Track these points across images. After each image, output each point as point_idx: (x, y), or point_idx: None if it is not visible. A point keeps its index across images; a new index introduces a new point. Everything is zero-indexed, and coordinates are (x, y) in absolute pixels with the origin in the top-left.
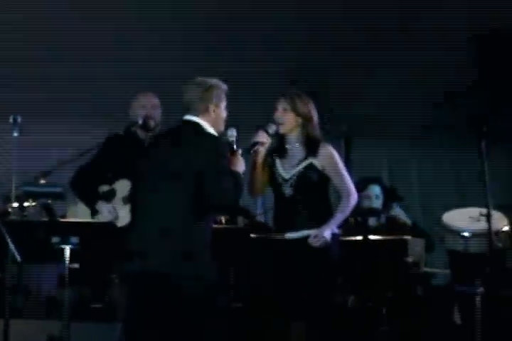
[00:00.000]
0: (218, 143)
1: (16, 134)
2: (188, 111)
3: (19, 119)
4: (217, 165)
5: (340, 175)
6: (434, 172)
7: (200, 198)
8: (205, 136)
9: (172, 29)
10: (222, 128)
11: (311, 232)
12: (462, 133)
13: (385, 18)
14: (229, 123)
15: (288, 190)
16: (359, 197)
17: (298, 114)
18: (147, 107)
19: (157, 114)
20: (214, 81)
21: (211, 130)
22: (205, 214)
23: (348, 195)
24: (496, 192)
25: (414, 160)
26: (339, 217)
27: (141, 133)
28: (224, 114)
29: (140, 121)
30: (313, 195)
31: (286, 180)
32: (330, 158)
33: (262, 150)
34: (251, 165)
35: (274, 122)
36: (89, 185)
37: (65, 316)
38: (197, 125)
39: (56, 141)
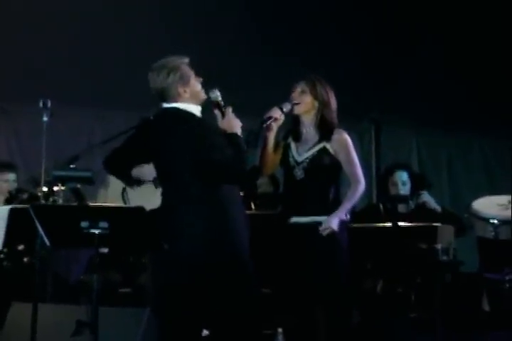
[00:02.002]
0: (201, 121)
1: (45, 118)
2: (163, 99)
3: (49, 103)
4: (206, 141)
5: (352, 163)
6: (464, 159)
7: (208, 176)
8: (188, 119)
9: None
10: (202, 97)
11: (319, 219)
12: (493, 120)
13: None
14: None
15: (299, 173)
16: (387, 183)
17: (315, 97)
18: None
19: None
20: (173, 62)
21: (193, 108)
22: (221, 188)
23: (357, 183)
24: None
25: (444, 147)
26: (347, 205)
27: None
28: (196, 85)
29: None
30: (324, 179)
31: (298, 163)
32: (343, 144)
33: (274, 126)
34: (263, 141)
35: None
36: (123, 163)
37: (93, 301)
38: (178, 110)
39: (84, 127)
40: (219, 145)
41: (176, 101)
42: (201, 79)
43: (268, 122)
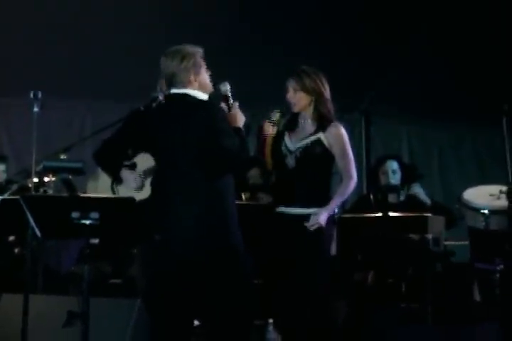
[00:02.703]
0: (211, 107)
1: (36, 109)
2: (172, 84)
3: (40, 95)
4: (215, 126)
5: (345, 157)
6: (454, 150)
7: (210, 163)
8: (198, 104)
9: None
10: (210, 87)
11: (307, 211)
12: (483, 111)
13: None
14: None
15: (291, 162)
16: (377, 173)
17: (308, 92)
18: None
19: None
20: (188, 49)
21: (201, 95)
22: (221, 178)
23: (349, 178)
24: None
25: (434, 138)
26: (337, 201)
27: None
28: (206, 77)
29: (161, 97)
30: (316, 169)
31: (291, 152)
32: (339, 138)
33: (269, 140)
34: (259, 149)
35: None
36: (113, 156)
37: (84, 292)
38: (186, 95)
39: (75, 118)
40: (228, 132)
41: (184, 87)
42: (210, 72)
43: (263, 138)
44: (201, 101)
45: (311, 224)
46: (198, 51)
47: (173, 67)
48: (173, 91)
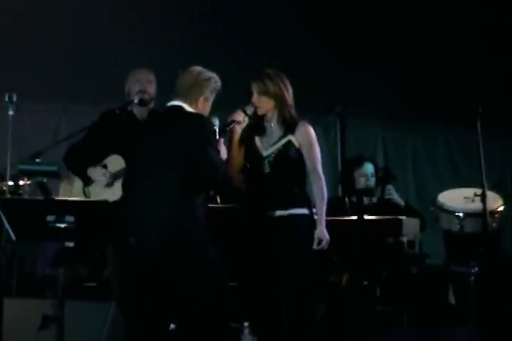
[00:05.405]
0: (203, 119)
1: (11, 112)
2: (176, 96)
3: (14, 97)
4: (204, 139)
5: (313, 156)
6: (429, 152)
7: (192, 174)
8: (190, 115)
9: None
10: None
11: (285, 213)
12: (458, 113)
13: None
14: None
15: (265, 167)
16: (352, 175)
17: (270, 96)
18: (142, 82)
19: (152, 88)
20: (213, 75)
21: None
22: (196, 190)
23: (319, 179)
24: (489, 172)
25: (409, 140)
26: (323, 208)
27: (137, 112)
28: (209, 107)
29: (136, 100)
30: (291, 173)
31: (264, 157)
32: (306, 136)
33: (237, 129)
34: (227, 144)
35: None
36: (81, 159)
37: (59, 295)
38: (181, 107)
39: (50, 121)
40: (214, 144)
41: (187, 102)
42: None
43: (232, 125)
44: (195, 113)
45: (322, 245)
46: (219, 82)
47: (190, 80)
48: (171, 103)
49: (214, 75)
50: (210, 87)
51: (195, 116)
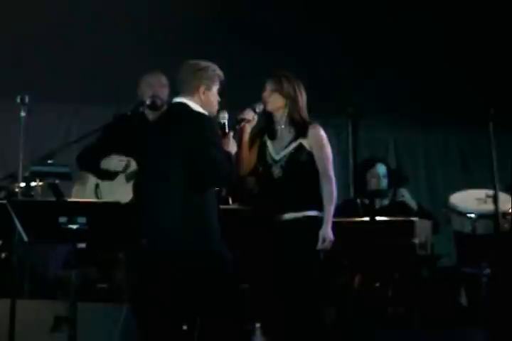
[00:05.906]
0: (206, 119)
1: (23, 114)
2: (180, 93)
3: (26, 99)
4: (207, 140)
5: (324, 158)
6: (441, 154)
7: (196, 173)
8: (192, 114)
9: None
10: (213, 110)
11: (297, 215)
12: (470, 115)
13: None
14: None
15: (277, 171)
16: (365, 176)
17: (283, 94)
18: (154, 86)
19: (164, 92)
20: (209, 63)
21: (199, 109)
22: (202, 189)
23: (330, 180)
24: (502, 174)
25: (421, 142)
26: (331, 209)
27: (148, 113)
28: (215, 97)
29: (148, 101)
30: (303, 176)
31: (276, 161)
32: (318, 138)
33: (247, 127)
34: (237, 143)
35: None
36: (94, 158)
37: (71, 296)
38: (184, 105)
39: (62, 122)
40: (218, 145)
41: (188, 97)
42: (219, 99)
43: (242, 124)
44: (198, 112)
45: (325, 245)
46: (218, 70)
47: (186, 74)
48: (175, 100)
49: (210, 64)
50: (208, 76)
51: (196, 116)
